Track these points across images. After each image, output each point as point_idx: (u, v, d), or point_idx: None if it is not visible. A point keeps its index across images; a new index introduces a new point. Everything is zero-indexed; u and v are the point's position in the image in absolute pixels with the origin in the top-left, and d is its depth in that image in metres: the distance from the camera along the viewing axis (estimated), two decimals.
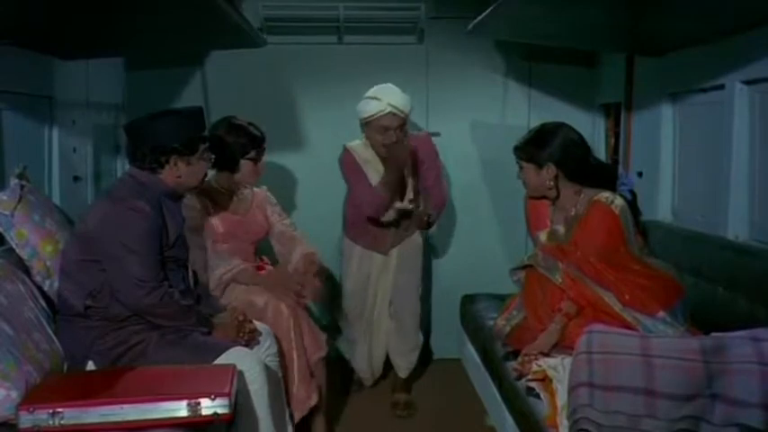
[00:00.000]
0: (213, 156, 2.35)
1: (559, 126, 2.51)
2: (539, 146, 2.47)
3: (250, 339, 2.31)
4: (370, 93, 2.98)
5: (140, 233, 2.12)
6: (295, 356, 2.56)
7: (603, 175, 2.53)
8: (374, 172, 3.05)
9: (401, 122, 2.96)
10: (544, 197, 2.54)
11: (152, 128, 2.24)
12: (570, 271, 2.25)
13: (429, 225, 3.14)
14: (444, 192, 3.22)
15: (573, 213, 2.45)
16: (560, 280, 2.26)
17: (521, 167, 2.52)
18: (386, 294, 3.24)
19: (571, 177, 2.45)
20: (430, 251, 3.67)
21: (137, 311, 2.14)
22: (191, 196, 2.68)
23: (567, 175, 2.45)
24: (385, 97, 2.94)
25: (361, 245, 3.22)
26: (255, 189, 2.92)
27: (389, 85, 3.00)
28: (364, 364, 3.33)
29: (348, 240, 3.25)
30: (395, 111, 2.93)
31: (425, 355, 3.60)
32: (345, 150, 3.10)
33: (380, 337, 3.29)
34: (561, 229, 2.50)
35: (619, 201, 2.38)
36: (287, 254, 2.89)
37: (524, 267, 2.42)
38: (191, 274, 2.42)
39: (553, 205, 2.54)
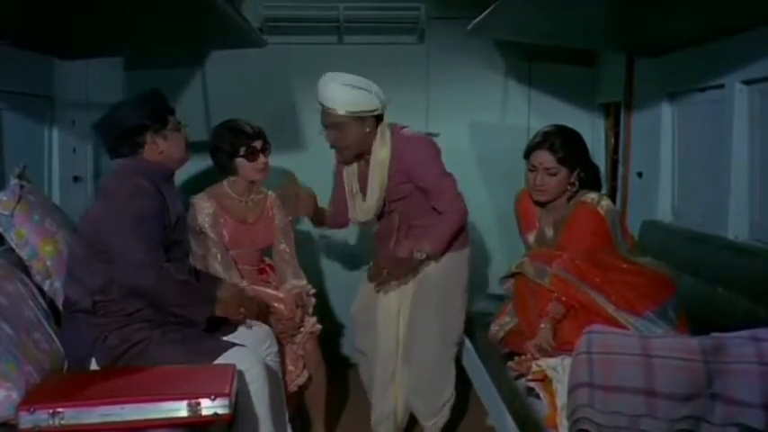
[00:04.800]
0: (186, 126, 2.34)
1: (573, 129, 2.47)
2: (581, 148, 2.42)
3: (250, 314, 2.30)
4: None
5: (141, 212, 2.10)
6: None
7: (595, 176, 2.53)
8: (347, 176, 2.70)
9: (334, 122, 2.49)
10: (537, 202, 2.51)
11: (117, 115, 2.25)
12: (558, 272, 2.25)
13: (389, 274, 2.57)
14: (456, 209, 2.58)
15: (561, 215, 2.45)
16: (549, 283, 2.25)
17: (550, 171, 2.39)
18: (405, 330, 2.69)
19: (586, 182, 2.44)
20: None
21: (138, 292, 2.11)
22: (202, 201, 2.70)
23: (584, 179, 2.43)
24: (318, 90, 2.49)
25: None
26: (271, 193, 2.85)
27: (332, 73, 2.49)
28: (384, 421, 2.75)
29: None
30: (322, 106, 2.49)
31: None
32: None
33: (405, 388, 2.72)
34: (550, 231, 2.49)
35: (605, 201, 2.37)
36: (280, 275, 2.83)
37: (513, 275, 2.42)
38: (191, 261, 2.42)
39: (543, 208, 2.52)
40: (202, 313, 2.19)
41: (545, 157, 2.40)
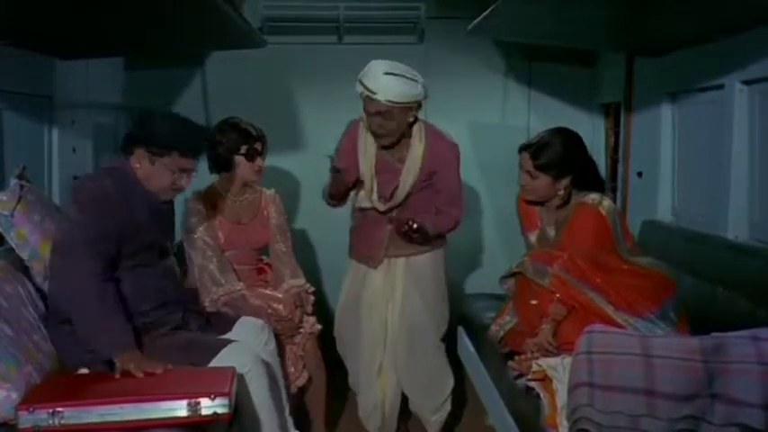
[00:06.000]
0: (194, 172, 2.26)
1: (572, 135, 2.44)
2: (564, 159, 2.38)
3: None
4: (365, 68, 2.55)
5: (89, 206, 2.08)
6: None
7: (595, 176, 2.52)
8: (364, 157, 2.66)
9: (381, 110, 2.49)
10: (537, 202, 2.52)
11: (148, 119, 2.25)
12: (559, 273, 2.25)
13: (411, 233, 2.56)
14: (455, 216, 2.68)
15: (562, 215, 2.45)
16: (549, 284, 2.25)
17: (531, 175, 2.40)
18: (395, 325, 2.69)
19: (582, 186, 2.43)
20: None
21: (64, 282, 2.05)
22: (195, 204, 2.69)
23: (579, 184, 2.42)
24: (365, 78, 2.50)
25: (354, 256, 2.80)
26: (266, 191, 2.86)
27: (380, 62, 2.54)
28: (371, 414, 2.77)
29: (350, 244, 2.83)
30: (370, 95, 2.47)
31: None
32: (354, 122, 2.72)
33: (392, 382, 2.74)
34: (551, 231, 2.49)
35: (606, 202, 2.37)
36: (278, 274, 2.81)
37: (513, 275, 2.42)
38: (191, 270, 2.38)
39: (543, 207, 2.52)
40: (106, 346, 2.02)
41: (525, 160, 2.42)
